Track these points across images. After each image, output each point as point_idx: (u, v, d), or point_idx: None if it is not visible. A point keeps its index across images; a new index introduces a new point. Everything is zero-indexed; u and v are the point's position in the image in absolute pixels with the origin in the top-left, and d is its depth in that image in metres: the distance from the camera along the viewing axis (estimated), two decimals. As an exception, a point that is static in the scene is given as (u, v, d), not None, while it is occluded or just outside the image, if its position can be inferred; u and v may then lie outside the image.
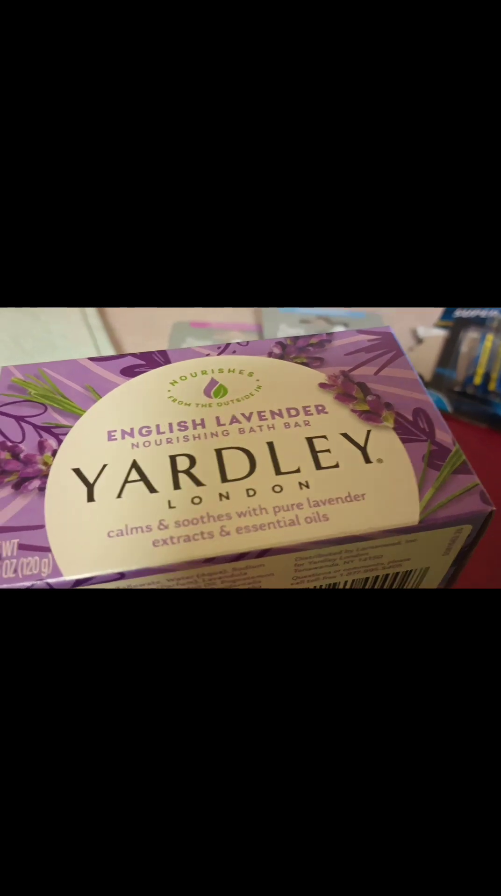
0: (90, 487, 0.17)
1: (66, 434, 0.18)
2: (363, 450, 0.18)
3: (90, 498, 0.16)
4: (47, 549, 0.15)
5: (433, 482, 0.17)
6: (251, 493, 0.17)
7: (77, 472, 0.17)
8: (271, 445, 0.18)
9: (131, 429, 0.18)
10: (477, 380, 0.38)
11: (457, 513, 0.17)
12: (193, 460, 0.17)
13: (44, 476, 0.17)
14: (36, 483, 0.17)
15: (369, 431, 0.18)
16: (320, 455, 0.18)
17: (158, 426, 0.18)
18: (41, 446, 0.18)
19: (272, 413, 0.19)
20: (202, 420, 0.18)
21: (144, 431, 0.18)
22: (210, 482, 0.17)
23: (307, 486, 0.17)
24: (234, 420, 0.18)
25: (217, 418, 0.19)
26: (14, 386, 0.19)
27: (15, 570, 0.15)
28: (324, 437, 0.18)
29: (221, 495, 0.17)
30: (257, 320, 0.43)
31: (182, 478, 0.17)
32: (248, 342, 0.21)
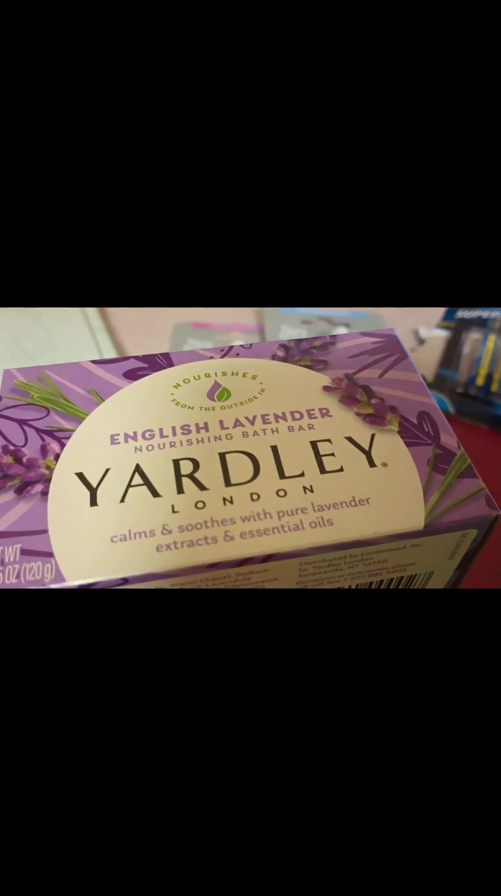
0: (93, 492, 0.16)
1: (68, 438, 0.18)
2: (368, 454, 0.18)
3: (93, 502, 0.16)
4: (50, 555, 0.15)
5: (439, 486, 0.17)
6: (255, 497, 0.16)
7: (80, 476, 0.17)
8: (274, 449, 0.18)
9: (134, 432, 0.18)
10: (480, 381, 0.37)
11: (462, 517, 0.16)
12: (196, 464, 0.17)
13: (46, 480, 0.17)
14: (39, 487, 0.17)
15: (373, 435, 0.18)
16: (324, 459, 0.17)
17: (161, 430, 0.18)
18: (44, 450, 0.17)
19: (276, 416, 0.19)
20: (206, 423, 0.18)
21: (147, 435, 0.18)
22: (214, 486, 0.17)
23: (312, 491, 0.17)
24: (237, 423, 0.18)
25: (221, 422, 0.18)
26: (16, 389, 0.19)
27: (17, 576, 0.15)
28: (328, 440, 0.18)
29: (224, 500, 0.16)
30: (258, 321, 0.43)
31: (186, 482, 0.17)
32: (251, 345, 0.21)
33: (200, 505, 0.16)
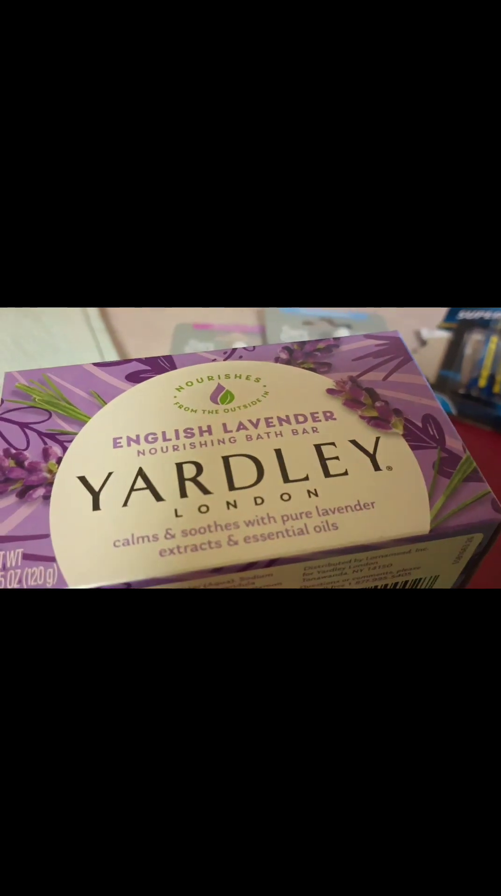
0: (96, 496, 0.16)
1: (71, 441, 0.18)
2: (373, 457, 0.18)
3: (96, 506, 0.16)
4: (52, 559, 0.15)
5: (444, 490, 0.17)
6: (259, 501, 0.16)
7: (82, 479, 0.17)
8: (278, 452, 0.18)
9: (137, 436, 0.18)
10: (482, 382, 0.37)
11: (468, 521, 0.16)
12: (199, 468, 0.17)
13: (49, 484, 0.17)
14: (41, 491, 0.16)
15: (378, 438, 0.18)
16: (328, 462, 0.17)
17: (164, 433, 0.18)
18: (46, 453, 0.17)
19: (280, 419, 0.18)
20: (209, 426, 0.18)
21: (150, 438, 0.18)
22: (217, 490, 0.17)
23: (316, 495, 0.17)
24: (241, 427, 0.18)
25: (224, 425, 0.18)
26: (18, 392, 0.19)
27: (19, 581, 0.15)
28: (332, 443, 0.18)
29: (228, 504, 0.16)
30: (259, 322, 0.43)
31: (189, 486, 0.17)
32: (254, 347, 0.21)
33: (203, 509, 0.16)
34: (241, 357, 0.21)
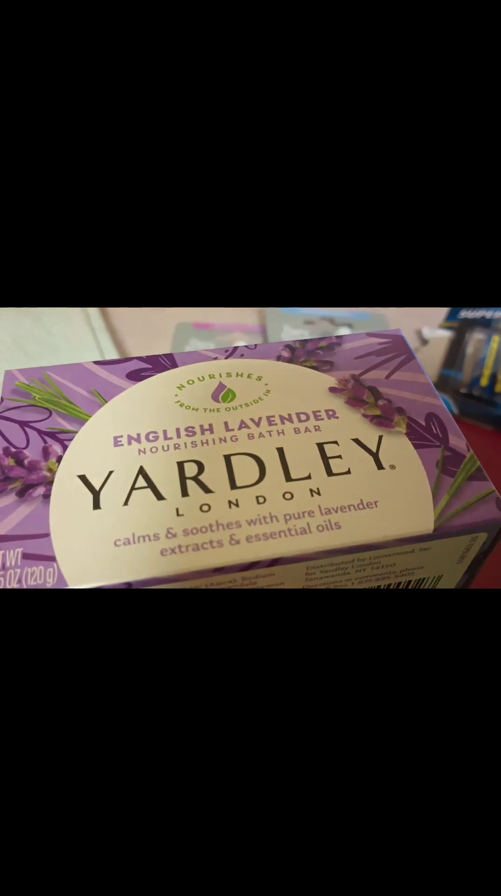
0: (96, 494, 0.16)
1: (71, 440, 0.18)
2: (376, 456, 0.17)
3: (96, 505, 0.16)
4: (52, 559, 0.15)
5: (448, 489, 0.17)
6: (261, 500, 0.16)
7: (83, 478, 0.17)
8: (281, 451, 0.17)
9: (138, 434, 0.18)
10: (484, 381, 0.37)
11: (472, 521, 0.16)
12: (201, 467, 0.17)
13: (49, 483, 0.16)
14: (41, 490, 0.16)
15: (381, 437, 0.18)
16: (331, 461, 0.17)
17: (165, 431, 0.18)
18: (46, 452, 0.17)
19: (282, 418, 0.18)
20: (211, 425, 0.18)
21: (151, 437, 0.18)
22: (219, 489, 0.16)
23: (319, 494, 0.16)
24: (243, 425, 0.18)
25: (226, 423, 0.18)
26: (18, 390, 0.19)
27: (19, 580, 0.14)
28: (335, 442, 0.18)
29: (230, 503, 0.16)
30: (260, 321, 0.43)
31: (190, 485, 0.16)
32: (256, 345, 0.21)
33: (205, 508, 0.16)
34: (242, 355, 0.21)
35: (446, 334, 0.41)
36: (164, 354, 0.21)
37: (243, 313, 0.43)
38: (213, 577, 0.15)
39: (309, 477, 0.17)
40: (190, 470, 0.17)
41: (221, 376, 0.20)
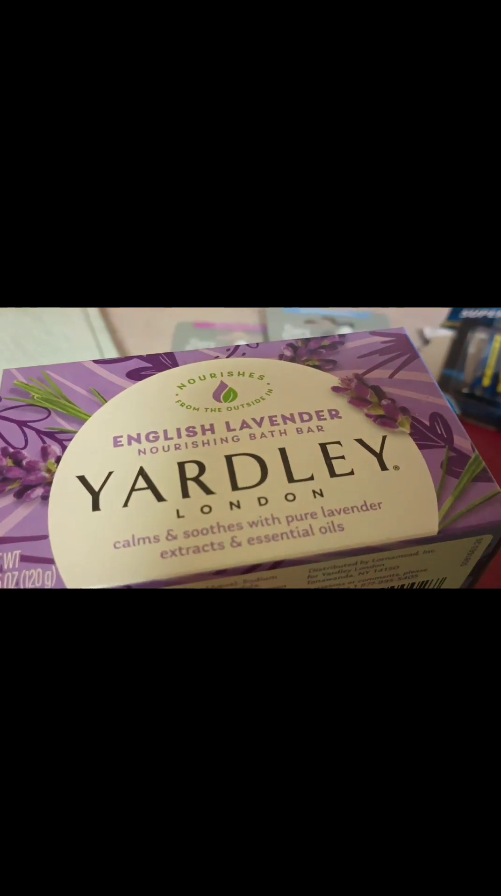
0: (96, 496, 0.16)
1: (70, 440, 0.17)
2: (379, 456, 0.17)
3: (95, 507, 0.16)
4: (51, 561, 0.15)
5: (452, 490, 0.16)
6: (263, 501, 0.16)
7: (82, 479, 0.16)
8: (283, 452, 0.17)
9: (138, 434, 0.17)
10: (486, 381, 0.37)
11: (477, 522, 0.16)
12: (202, 467, 0.17)
13: (47, 484, 0.16)
14: (39, 491, 0.16)
15: (384, 437, 0.18)
16: (334, 462, 0.17)
17: (165, 431, 0.18)
18: (44, 453, 0.17)
19: (284, 418, 0.18)
20: (212, 425, 0.18)
21: (151, 437, 0.17)
22: (220, 490, 0.16)
23: (321, 495, 0.16)
24: (244, 425, 0.18)
25: (227, 423, 0.18)
26: (16, 389, 0.19)
27: (17, 583, 0.14)
28: (338, 443, 0.17)
29: (231, 504, 0.16)
30: (261, 321, 0.42)
31: (191, 486, 0.16)
32: (258, 344, 0.21)
33: (206, 509, 0.16)
34: (244, 354, 0.20)
35: (448, 334, 0.41)
36: (164, 353, 0.20)
37: (243, 313, 0.43)
38: (214, 579, 0.15)
39: (312, 478, 0.17)
40: (191, 471, 0.17)
41: (222, 375, 0.19)
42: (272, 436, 0.18)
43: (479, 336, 0.40)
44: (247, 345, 0.21)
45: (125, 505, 0.16)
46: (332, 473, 0.17)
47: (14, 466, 0.17)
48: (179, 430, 0.18)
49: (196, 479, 0.16)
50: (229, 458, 0.17)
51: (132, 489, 0.16)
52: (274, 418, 0.18)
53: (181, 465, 0.17)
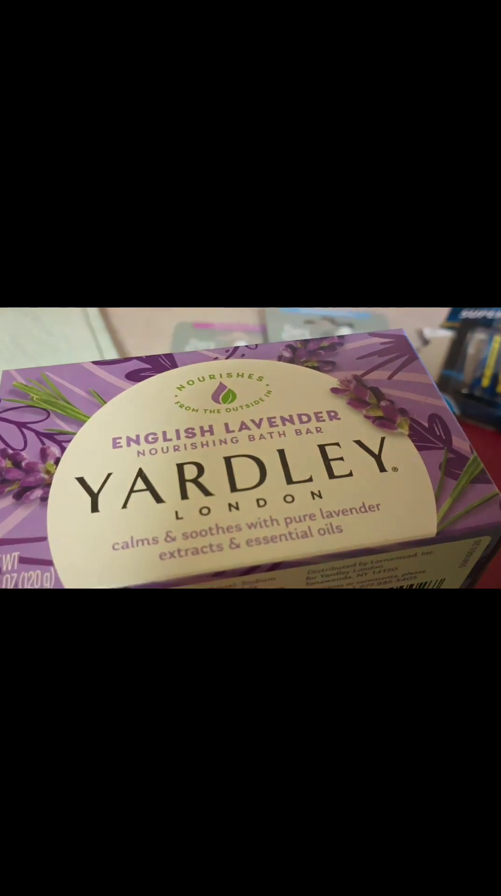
0: (94, 497, 0.16)
1: (69, 441, 0.17)
2: (378, 458, 0.17)
3: (94, 508, 0.16)
4: (49, 563, 0.15)
5: (451, 492, 0.17)
6: (262, 503, 0.16)
7: (81, 481, 0.16)
8: (281, 453, 0.17)
9: (137, 436, 0.17)
10: (485, 382, 0.37)
11: (476, 524, 0.16)
12: (201, 469, 0.17)
13: (46, 485, 0.16)
14: (38, 493, 0.16)
15: (383, 438, 0.18)
16: (333, 463, 0.17)
17: (164, 433, 0.18)
18: (44, 454, 0.17)
19: (283, 419, 0.18)
20: (211, 426, 0.18)
21: (150, 438, 0.17)
22: (219, 492, 0.16)
23: (320, 496, 0.16)
24: (243, 426, 0.18)
25: (226, 425, 0.18)
26: (16, 391, 0.19)
27: (15, 585, 0.14)
28: (337, 444, 0.17)
29: (230, 505, 0.16)
30: (261, 321, 0.42)
31: (190, 487, 0.16)
32: (257, 345, 0.21)
33: (204, 511, 0.16)
34: (243, 355, 0.20)
35: (447, 334, 0.41)
36: (164, 354, 0.20)
37: (243, 313, 0.43)
38: (212, 581, 0.15)
39: (310, 479, 0.17)
40: (190, 472, 0.17)
41: (221, 377, 0.19)
42: (271, 437, 0.18)
43: (478, 336, 0.41)
44: (246, 346, 0.21)
45: (124, 506, 0.16)
46: (331, 475, 0.17)
47: (13, 468, 0.17)
48: (178, 431, 0.18)
49: (195, 481, 0.16)
50: (227, 460, 0.17)
51: (131, 491, 0.16)
52: (273, 420, 0.18)
53: (180, 467, 0.17)
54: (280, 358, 0.20)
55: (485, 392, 0.36)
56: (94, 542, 0.15)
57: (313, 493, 0.16)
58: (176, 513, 0.16)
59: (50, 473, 0.16)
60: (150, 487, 0.16)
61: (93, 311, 0.41)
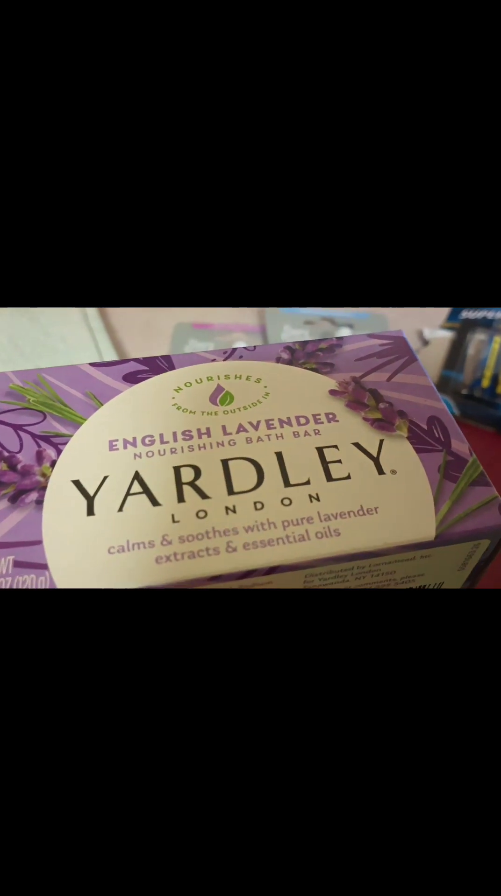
0: (90, 500, 0.16)
1: (65, 444, 0.17)
2: (376, 460, 0.17)
3: (90, 511, 0.16)
4: (44, 567, 0.14)
5: (450, 495, 0.16)
6: (259, 506, 0.16)
7: (77, 483, 0.16)
8: (279, 456, 0.17)
9: (134, 438, 0.17)
10: (485, 382, 0.37)
11: (475, 527, 0.16)
12: (198, 471, 0.17)
13: (42, 488, 0.16)
14: (33, 496, 0.16)
15: (382, 441, 0.18)
16: (331, 466, 0.17)
17: (161, 435, 0.17)
18: (40, 456, 0.17)
19: (281, 421, 0.18)
20: (208, 429, 0.18)
21: (147, 441, 0.17)
22: (216, 495, 0.16)
23: (318, 499, 0.16)
24: (241, 429, 0.18)
25: (223, 427, 0.18)
26: (12, 393, 0.19)
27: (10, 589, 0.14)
28: (335, 446, 0.17)
29: (227, 509, 0.16)
30: (260, 321, 0.42)
31: (187, 490, 0.16)
32: (255, 347, 0.21)
33: (201, 514, 0.16)
34: (241, 357, 0.20)
35: (447, 335, 0.41)
36: (161, 356, 0.20)
37: (242, 313, 0.43)
38: (209, 585, 0.15)
39: (308, 482, 0.16)
40: (187, 475, 0.16)
41: (219, 378, 0.19)
42: (269, 439, 0.17)
43: (478, 337, 0.40)
44: (244, 347, 0.21)
45: (120, 510, 0.16)
46: (329, 478, 0.17)
47: (9, 471, 0.16)
48: (175, 433, 0.18)
49: (192, 484, 0.16)
50: (225, 462, 0.17)
51: (127, 493, 0.16)
52: (271, 422, 0.18)
53: (177, 470, 0.17)
54: (278, 359, 0.20)
55: (485, 393, 0.36)
56: (89, 545, 0.15)
57: (310, 496, 0.16)
58: (172, 516, 0.16)
59: (46, 476, 0.16)
60: (146, 490, 0.16)
61: (91, 312, 0.41)
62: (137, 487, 0.16)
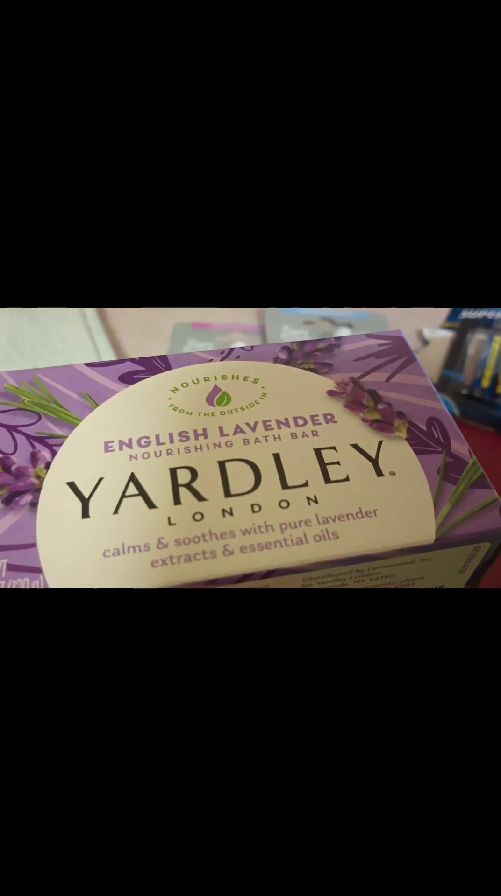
0: (85, 503, 0.16)
1: (60, 445, 0.17)
2: (375, 462, 0.17)
3: (85, 514, 0.15)
4: (38, 570, 0.14)
5: (450, 497, 0.16)
6: (256, 508, 0.16)
7: (72, 485, 0.16)
8: (277, 457, 0.17)
9: (129, 439, 0.17)
10: (485, 382, 0.37)
11: (475, 530, 0.16)
12: (194, 473, 0.16)
13: (36, 490, 0.16)
14: (28, 498, 0.16)
15: (380, 442, 0.17)
16: (329, 468, 0.17)
17: (157, 437, 0.17)
18: (34, 458, 0.17)
19: (278, 422, 0.18)
20: (205, 430, 0.17)
21: (142, 442, 0.17)
22: (213, 497, 0.16)
23: (316, 502, 0.16)
24: (238, 430, 0.17)
25: (220, 428, 0.18)
26: (7, 393, 0.19)
27: (4, 593, 0.14)
28: (333, 448, 0.17)
29: (224, 511, 0.16)
30: (259, 321, 0.42)
31: (183, 492, 0.16)
32: (253, 347, 0.20)
33: (198, 517, 0.15)
34: (238, 357, 0.20)
35: (447, 335, 0.41)
36: (158, 356, 0.20)
37: (241, 313, 0.43)
38: (205, 588, 0.15)
39: (306, 484, 0.16)
40: (183, 477, 0.16)
41: (216, 379, 0.19)
42: (266, 441, 0.17)
43: (478, 337, 0.40)
44: (241, 347, 0.20)
45: (116, 512, 0.15)
46: (327, 480, 0.16)
47: (3, 472, 0.16)
48: (171, 434, 0.17)
49: (188, 486, 0.16)
50: (221, 464, 0.17)
51: (123, 496, 0.16)
52: (268, 423, 0.18)
53: (173, 471, 0.16)
54: (276, 360, 0.20)
55: (485, 393, 0.36)
56: (84, 548, 0.15)
57: (308, 499, 0.16)
58: (169, 518, 0.15)
59: (40, 478, 0.16)
60: (142, 492, 0.16)
61: (90, 312, 0.40)
62: (132, 489, 0.16)
